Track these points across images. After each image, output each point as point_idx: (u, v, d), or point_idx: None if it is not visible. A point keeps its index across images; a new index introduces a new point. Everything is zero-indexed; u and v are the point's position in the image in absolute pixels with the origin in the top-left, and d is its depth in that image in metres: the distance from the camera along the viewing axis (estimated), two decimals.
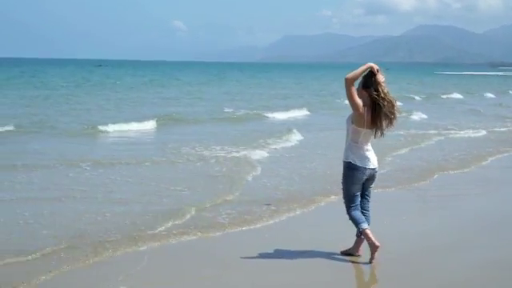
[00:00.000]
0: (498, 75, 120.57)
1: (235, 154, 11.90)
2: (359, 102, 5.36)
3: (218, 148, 12.75)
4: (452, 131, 17.45)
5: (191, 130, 17.09)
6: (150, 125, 17.38)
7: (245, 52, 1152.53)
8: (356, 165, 5.46)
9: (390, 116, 5.37)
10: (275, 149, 13.05)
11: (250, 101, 29.72)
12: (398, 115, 5.43)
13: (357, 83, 5.48)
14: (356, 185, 5.53)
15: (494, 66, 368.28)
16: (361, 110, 5.34)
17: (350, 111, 5.53)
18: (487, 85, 63.51)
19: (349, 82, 5.32)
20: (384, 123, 5.40)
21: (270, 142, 13.84)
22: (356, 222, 5.58)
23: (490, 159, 12.24)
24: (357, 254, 5.73)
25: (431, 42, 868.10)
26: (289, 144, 13.88)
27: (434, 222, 7.25)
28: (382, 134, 5.45)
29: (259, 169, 10.42)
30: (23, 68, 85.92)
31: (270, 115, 21.63)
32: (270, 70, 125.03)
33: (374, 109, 5.35)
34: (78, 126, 16.82)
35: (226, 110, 23.58)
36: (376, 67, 5.38)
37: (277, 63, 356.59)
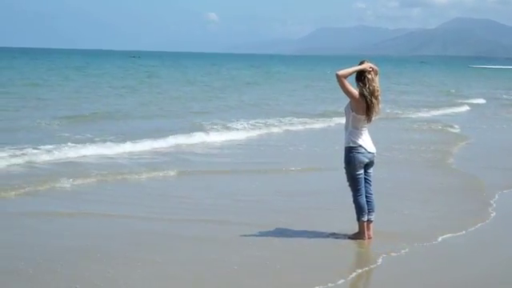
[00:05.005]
0: None
1: None
2: (354, 91, 5.81)
3: None
4: None
5: None
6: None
7: (279, 44, 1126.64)
8: (361, 147, 5.86)
9: (369, 104, 5.77)
10: None
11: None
12: (379, 105, 5.85)
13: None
14: (360, 167, 5.90)
15: None
16: (357, 97, 5.78)
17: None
18: None
19: (340, 78, 5.76)
20: (373, 111, 5.82)
21: None
22: (360, 211, 5.98)
23: None
24: (365, 238, 6.00)
25: (466, 36, 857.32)
26: None
27: None
28: (370, 120, 5.88)
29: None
30: (97, 59, 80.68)
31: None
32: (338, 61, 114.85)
33: (365, 97, 5.80)
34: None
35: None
36: (368, 68, 5.85)
37: (316, 55, 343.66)
